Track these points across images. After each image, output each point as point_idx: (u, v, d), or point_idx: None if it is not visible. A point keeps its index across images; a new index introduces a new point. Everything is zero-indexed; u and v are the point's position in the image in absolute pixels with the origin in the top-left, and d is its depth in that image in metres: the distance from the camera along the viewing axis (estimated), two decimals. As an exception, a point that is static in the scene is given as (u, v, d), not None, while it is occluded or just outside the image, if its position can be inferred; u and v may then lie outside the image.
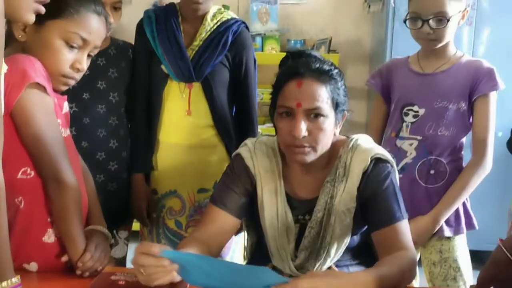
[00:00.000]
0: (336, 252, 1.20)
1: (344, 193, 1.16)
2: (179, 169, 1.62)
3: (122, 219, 1.65)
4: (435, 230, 1.52)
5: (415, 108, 1.55)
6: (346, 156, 1.18)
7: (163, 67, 1.58)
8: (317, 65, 1.14)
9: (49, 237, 1.14)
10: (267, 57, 2.98)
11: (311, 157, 1.13)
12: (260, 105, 3.08)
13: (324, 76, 1.13)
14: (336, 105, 1.15)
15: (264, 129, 2.83)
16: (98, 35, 1.14)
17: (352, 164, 1.17)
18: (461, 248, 1.55)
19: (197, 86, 1.59)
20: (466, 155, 1.58)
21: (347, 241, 1.20)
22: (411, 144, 1.55)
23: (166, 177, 1.64)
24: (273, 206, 1.20)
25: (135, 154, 1.62)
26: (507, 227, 1.36)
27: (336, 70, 1.17)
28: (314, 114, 1.11)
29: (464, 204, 1.56)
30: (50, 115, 1.10)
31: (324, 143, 1.14)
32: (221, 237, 1.20)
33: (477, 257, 1.85)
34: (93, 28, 1.12)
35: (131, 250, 1.72)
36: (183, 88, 1.59)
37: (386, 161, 1.18)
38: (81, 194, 1.15)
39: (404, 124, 1.56)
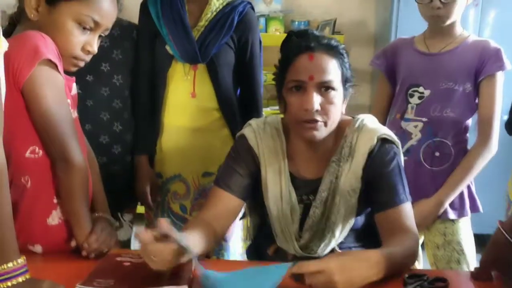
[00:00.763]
0: (341, 233, 1.20)
1: (350, 173, 1.16)
2: (183, 153, 1.61)
3: (126, 202, 1.65)
4: (439, 213, 1.52)
5: (421, 89, 1.54)
6: (352, 135, 1.18)
7: (167, 47, 1.55)
8: (325, 40, 1.15)
9: (53, 219, 1.14)
10: (271, 38, 2.94)
11: (322, 133, 1.13)
12: (264, 87, 3.07)
13: (333, 50, 1.14)
14: (345, 80, 1.15)
15: (268, 111, 2.81)
16: (110, 17, 1.14)
17: (357, 143, 1.16)
18: (465, 231, 1.55)
19: (202, 68, 1.57)
20: (471, 138, 1.57)
21: (351, 221, 1.20)
22: (416, 126, 1.54)
23: (170, 160, 1.63)
24: (277, 186, 1.20)
25: (139, 135, 1.61)
26: (505, 210, 1.36)
27: (342, 46, 1.18)
28: (325, 88, 1.11)
29: (468, 187, 1.56)
30: (60, 94, 1.09)
31: (334, 118, 1.14)
32: (226, 218, 1.21)
33: (481, 240, 1.85)
34: (106, 10, 1.12)
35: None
36: (188, 70, 1.57)
37: (392, 142, 1.17)
38: (88, 176, 1.15)
39: (409, 106, 1.56)
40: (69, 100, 1.13)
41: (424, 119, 1.53)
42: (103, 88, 1.54)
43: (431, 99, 1.52)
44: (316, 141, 1.16)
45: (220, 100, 1.59)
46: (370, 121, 1.21)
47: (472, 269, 1.51)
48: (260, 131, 1.23)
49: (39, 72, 1.04)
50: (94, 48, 1.13)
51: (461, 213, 1.54)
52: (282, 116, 1.24)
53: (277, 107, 1.32)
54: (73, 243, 1.15)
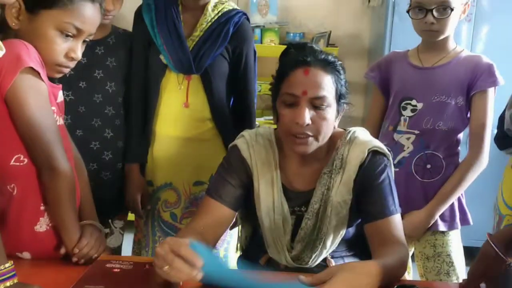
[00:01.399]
0: (332, 244, 1.21)
1: (341, 185, 1.17)
2: (175, 162, 1.61)
3: (117, 209, 1.65)
4: (430, 225, 1.53)
5: (413, 102, 1.56)
6: (343, 148, 1.19)
7: (161, 57, 1.56)
8: (323, 56, 1.16)
9: (41, 226, 1.14)
10: (266, 49, 2.98)
11: (312, 148, 1.15)
12: (258, 97, 3.09)
13: (329, 66, 1.15)
14: (339, 97, 1.16)
15: (262, 121, 2.83)
16: (92, 23, 1.13)
17: (349, 156, 1.18)
18: (455, 243, 1.56)
19: (195, 78, 1.57)
20: (463, 151, 1.59)
21: (343, 232, 1.21)
22: (408, 138, 1.56)
23: (161, 169, 1.63)
24: (269, 197, 1.21)
25: (130, 144, 1.61)
26: (493, 223, 1.37)
27: (339, 63, 1.18)
28: (319, 103, 1.12)
29: (459, 200, 1.58)
30: (44, 101, 1.09)
31: (326, 133, 1.15)
32: (217, 228, 1.21)
33: (470, 253, 1.86)
34: (88, 16, 1.11)
35: (126, 240, 1.73)
36: (182, 80, 1.57)
37: (383, 154, 1.19)
38: (75, 183, 1.15)
39: (402, 118, 1.57)
40: (54, 108, 1.13)
41: (417, 132, 1.55)
42: (95, 95, 1.55)
43: (423, 112, 1.54)
44: (306, 155, 1.17)
45: (213, 110, 1.59)
46: (361, 133, 1.23)
47: (461, 281, 1.52)
48: (253, 142, 1.24)
49: (22, 80, 1.04)
50: (78, 54, 1.13)
51: (451, 225, 1.55)
52: (275, 127, 1.25)
53: (271, 117, 1.32)
54: (62, 250, 1.15)
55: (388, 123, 1.62)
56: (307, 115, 1.11)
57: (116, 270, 1.07)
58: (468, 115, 1.55)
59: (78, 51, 1.13)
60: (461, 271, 1.55)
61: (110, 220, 1.62)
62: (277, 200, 1.20)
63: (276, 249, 1.22)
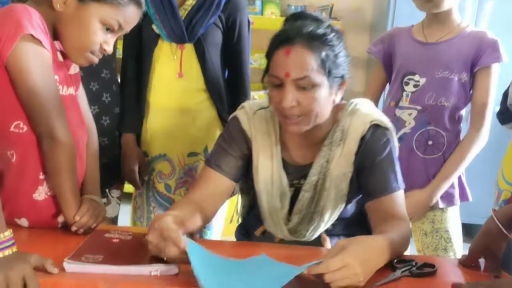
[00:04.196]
0: (330, 218, 1.22)
1: (341, 157, 1.17)
2: (169, 133, 1.62)
3: (114, 178, 1.64)
4: (432, 204, 1.55)
5: (416, 77, 1.56)
6: (344, 120, 1.18)
7: (154, 27, 1.55)
8: (310, 29, 1.10)
9: (39, 194, 1.15)
10: (266, 21, 2.94)
11: (304, 127, 1.13)
12: (258, 71, 3.05)
13: (316, 42, 1.09)
14: (329, 72, 1.10)
15: (261, 95, 2.80)
16: (132, 24, 1.18)
17: (350, 128, 1.16)
18: (453, 220, 1.60)
19: (189, 48, 1.57)
20: (464, 128, 1.60)
21: (341, 207, 1.22)
22: (410, 114, 1.56)
23: (156, 140, 1.64)
24: (268, 170, 1.21)
25: (125, 114, 1.61)
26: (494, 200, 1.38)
27: (333, 34, 1.12)
28: (304, 84, 1.08)
29: (459, 176, 1.60)
30: (46, 69, 1.09)
31: (319, 112, 1.11)
32: (216, 199, 1.21)
33: (468, 230, 1.88)
34: (131, 17, 1.16)
35: (123, 210, 1.73)
36: (175, 49, 1.56)
37: (385, 128, 1.17)
38: (75, 153, 1.15)
39: (404, 94, 1.58)
40: (57, 77, 1.13)
41: (419, 107, 1.56)
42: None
43: (426, 88, 1.55)
44: (301, 133, 1.15)
45: (207, 81, 1.59)
46: (363, 105, 1.21)
47: (458, 257, 1.54)
48: (253, 114, 1.23)
49: (22, 47, 1.03)
50: (110, 48, 1.16)
51: (450, 201, 1.58)
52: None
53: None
54: (60, 219, 1.17)
55: (390, 98, 1.63)
56: (291, 97, 1.08)
57: (115, 240, 1.08)
58: (471, 92, 1.56)
59: (111, 45, 1.16)
60: (458, 247, 1.59)
61: (107, 190, 1.61)
62: (276, 173, 1.21)
63: (273, 221, 1.23)
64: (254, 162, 1.22)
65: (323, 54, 1.09)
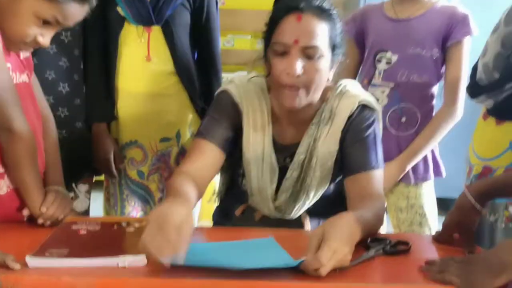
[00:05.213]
0: (314, 196, 1.22)
1: (328, 136, 1.17)
2: (139, 119, 1.57)
3: (80, 172, 1.57)
4: (400, 177, 1.56)
5: (388, 54, 1.54)
6: (333, 99, 1.18)
7: (119, 9, 1.49)
8: (317, 2, 1.10)
9: (1, 188, 1.10)
10: (240, 1, 2.84)
11: (302, 101, 1.11)
12: (231, 52, 2.98)
13: (324, 14, 1.10)
14: (333, 47, 1.11)
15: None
16: (74, 20, 1.11)
17: (338, 107, 1.17)
18: (427, 195, 1.60)
19: (156, 30, 1.52)
20: (437, 105, 1.59)
21: (326, 185, 1.22)
22: (383, 92, 1.55)
23: (126, 126, 1.59)
24: (259, 146, 1.20)
25: (94, 102, 1.55)
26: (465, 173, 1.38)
27: (335, 11, 1.13)
28: (311, 53, 1.07)
29: (432, 151, 1.61)
30: None
31: (318, 86, 1.11)
32: (210, 170, 1.18)
33: (443, 204, 1.90)
34: (72, 14, 1.08)
35: (95, 202, 1.67)
36: (142, 32, 1.51)
37: (373, 108, 1.18)
38: (35, 143, 1.11)
39: (377, 71, 1.57)
40: (9, 64, 1.07)
41: (391, 85, 1.55)
42: (49, 45, 1.42)
43: (398, 64, 1.54)
44: (295, 109, 1.12)
45: (176, 64, 1.55)
46: (353, 86, 1.21)
47: (433, 232, 1.54)
48: (244, 89, 1.21)
49: None
50: (46, 42, 1.09)
51: (424, 177, 1.59)
52: (266, 75, 1.20)
53: (245, 73, 1.27)
54: (25, 212, 1.12)
55: (363, 76, 1.62)
56: (299, 65, 1.06)
57: (82, 232, 1.04)
58: (443, 69, 1.55)
59: (48, 38, 1.09)
60: (433, 222, 1.60)
61: (74, 184, 1.55)
62: (267, 149, 1.19)
63: (261, 197, 1.22)
64: (245, 137, 1.20)
65: (330, 27, 1.09)
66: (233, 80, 1.23)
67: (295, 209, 1.22)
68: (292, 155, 1.20)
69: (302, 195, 1.21)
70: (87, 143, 1.55)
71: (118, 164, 1.58)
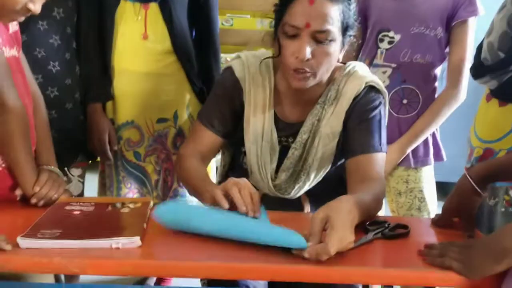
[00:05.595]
0: (315, 177, 1.21)
1: (332, 116, 1.16)
2: (136, 98, 1.54)
3: (72, 155, 1.53)
4: (400, 160, 1.53)
5: (391, 33, 1.51)
6: (340, 80, 1.17)
7: None
8: None
9: None
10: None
11: (310, 83, 1.10)
12: (230, 32, 2.93)
13: None
14: (345, 29, 1.09)
15: (231, 57, 2.70)
16: None
17: (345, 87, 1.16)
18: (427, 179, 1.58)
19: (154, 7, 1.48)
20: (440, 88, 1.56)
21: (327, 167, 1.21)
22: (384, 72, 1.52)
23: (122, 106, 1.55)
24: (259, 123, 1.19)
25: (89, 82, 1.51)
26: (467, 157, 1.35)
27: None
28: (322, 38, 1.05)
29: (433, 135, 1.58)
30: None
31: (327, 69, 1.10)
32: (206, 156, 1.23)
33: (442, 188, 1.87)
34: None
35: (92, 184, 1.65)
36: (138, 9, 1.47)
37: (379, 91, 1.17)
38: (28, 120, 1.08)
39: (379, 51, 1.53)
40: (0, 39, 1.04)
41: (393, 65, 1.51)
42: (39, 22, 1.37)
43: (401, 44, 1.50)
44: (302, 89, 1.11)
45: (174, 42, 1.51)
46: (361, 68, 1.20)
47: (432, 216, 1.52)
48: (249, 64, 1.20)
49: None
50: (37, 8, 1.04)
51: (424, 161, 1.56)
52: (274, 55, 1.17)
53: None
54: (18, 191, 1.10)
55: (365, 56, 1.58)
56: (308, 49, 1.04)
57: (76, 212, 1.02)
58: (447, 49, 1.52)
59: (39, 5, 1.04)
60: (432, 207, 1.58)
61: (66, 169, 1.50)
62: (267, 126, 1.18)
63: (260, 176, 1.21)
64: (246, 114, 1.19)
65: (343, 9, 1.07)
66: (240, 55, 1.23)
67: (295, 189, 1.21)
68: (294, 134, 1.19)
69: (303, 176, 1.20)
70: (79, 125, 1.51)
71: (112, 145, 1.55)
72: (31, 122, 1.13)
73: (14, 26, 1.12)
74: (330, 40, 1.06)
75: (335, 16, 1.05)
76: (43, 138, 1.18)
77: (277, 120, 1.20)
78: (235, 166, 1.32)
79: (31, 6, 1.02)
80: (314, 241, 0.84)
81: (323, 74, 1.11)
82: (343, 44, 1.11)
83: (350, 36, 1.12)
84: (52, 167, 1.15)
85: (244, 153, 1.23)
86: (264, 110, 1.18)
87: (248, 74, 1.19)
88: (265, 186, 1.21)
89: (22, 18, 1.06)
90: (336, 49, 1.08)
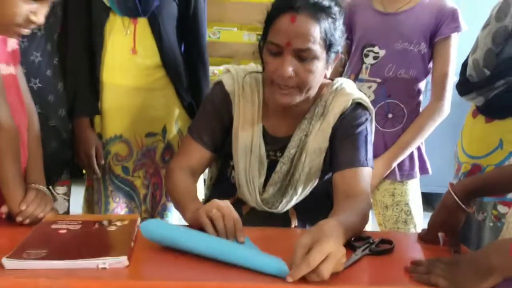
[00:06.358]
0: (302, 192, 1.22)
1: (319, 132, 1.17)
2: (124, 113, 1.53)
3: (56, 173, 1.49)
4: (386, 174, 1.54)
5: (376, 49, 1.52)
6: (328, 96, 1.18)
7: None
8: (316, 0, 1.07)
9: None
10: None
11: (295, 99, 1.11)
12: (217, 45, 2.93)
13: (321, 13, 1.07)
14: (329, 46, 1.09)
15: (221, 70, 2.70)
16: None
17: (332, 104, 1.17)
18: (413, 192, 1.59)
19: (142, 22, 1.47)
20: (424, 102, 1.58)
21: (314, 182, 1.21)
22: (370, 87, 1.53)
23: (111, 121, 1.54)
24: (248, 136, 1.20)
25: (77, 96, 1.49)
26: (454, 171, 1.37)
27: (336, 8, 1.10)
28: (304, 56, 1.06)
29: (419, 149, 1.59)
30: None
31: (312, 85, 1.10)
32: (197, 169, 1.24)
33: (428, 199, 1.89)
34: None
35: (76, 200, 1.62)
36: (127, 24, 1.46)
37: (366, 108, 1.18)
38: (19, 139, 1.07)
39: (364, 66, 1.55)
40: None
41: (378, 80, 1.53)
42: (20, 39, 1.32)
43: (386, 59, 1.52)
44: (286, 105, 1.12)
45: (163, 57, 1.50)
46: (348, 85, 1.21)
47: (418, 230, 1.53)
48: (239, 78, 1.21)
49: None
50: (40, 18, 1.02)
51: (410, 174, 1.57)
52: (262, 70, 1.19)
53: (230, 66, 1.25)
54: (4, 209, 1.08)
55: (350, 71, 1.59)
56: (290, 67, 1.06)
57: (62, 231, 1.00)
58: (431, 64, 1.53)
59: (41, 15, 1.02)
60: (418, 220, 1.59)
61: (50, 187, 1.47)
62: (255, 140, 1.19)
63: (248, 190, 1.21)
64: (235, 127, 1.20)
65: (327, 26, 1.07)
66: (229, 70, 1.23)
67: (283, 203, 1.21)
68: (281, 149, 1.19)
69: (290, 190, 1.20)
70: (63, 142, 1.47)
71: (99, 160, 1.53)
72: (23, 139, 1.12)
73: (13, 44, 1.11)
74: (313, 58, 1.06)
75: (317, 34, 1.05)
76: (34, 156, 1.16)
77: (265, 134, 1.20)
78: (222, 180, 1.31)
79: (33, 18, 1.00)
80: (295, 268, 0.81)
81: (309, 91, 1.11)
82: (327, 61, 1.11)
83: (335, 52, 1.12)
84: (41, 186, 1.13)
85: (232, 167, 1.23)
86: (252, 124, 1.19)
87: (237, 87, 1.19)
88: (253, 200, 1.21)
89: (27, 31, 1.04)
90: (319, 66, 1.09)
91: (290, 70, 1.05)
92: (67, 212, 1.57)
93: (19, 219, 1.05)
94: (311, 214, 1.22)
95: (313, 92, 1.13)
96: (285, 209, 1.23)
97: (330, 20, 1.07)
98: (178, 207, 1.14)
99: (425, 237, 1.06)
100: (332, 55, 1.12)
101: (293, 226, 1.24)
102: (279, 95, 1.10)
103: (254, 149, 1.18)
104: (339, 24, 1.11)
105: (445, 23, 1.46)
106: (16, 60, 1.13)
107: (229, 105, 1.20)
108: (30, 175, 1.14)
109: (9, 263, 0.85)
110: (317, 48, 1.06)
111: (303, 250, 0.82)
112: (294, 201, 1.22)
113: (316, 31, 1.05)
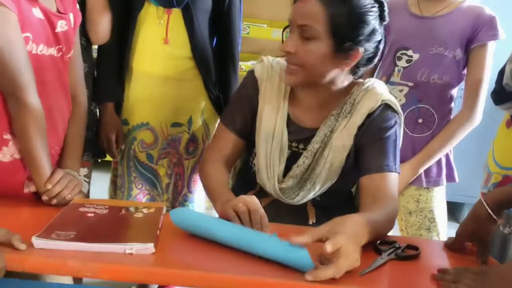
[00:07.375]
0: (320, 188, 1.21)
1: (345, 129, 1.16)
2: (152, 101, 1.54)
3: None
4: (412, 179, 1.51)
5: (409, 52, 1.49)
6: (357, 94, 1.17)
7: None
8: None
9: (4, 155, 1.08)
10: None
11: (296, 79, 1.12)
12: (246, 40, 2.93)
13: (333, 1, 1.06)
14: (337, 33, 1.06)
15: (249, 65, 2.70)
16: None
17: (361, 102, 1.16)
18: (438, 200, 1.56)
19: (176, 13, 1.47)
20: (456, 109, 1.54)
21: (333, 179, 1.20)
22: (401, 91, 1.50)
23: (138, 108, 1.55)
24: (271, 122, 1.20)
25: (103, 82, 1.51)
26: (481, 180, 1.34)
27: (368, 1, 1.07)
28: (304, 34, 1.08)
29: (447, 156, 1.56)
30: (10, 30, 1.01)
31: (313, 68, 1.09)
32: (231, 158, 1.25)
33: (453, 208, 1.85)
34: None
35: (99, 184, 1.63)
36: (161, 14, 1.47)
37: (395, 110, 1.16)
38: (44, 118, 1.08)
39: (396, 69, 1.52)
40: (29, 34, 1.05)
41: (410, 84, 1.50)
42: None
43: (419, 64, 1.48)
44: (316, 95, 1.15)
45: (193, 48, 1.51)
46: (379, 86, 1.20)
47: (441, 238, 1.51)
48: (270, 68, 1.23)
49: None
50: None
51: (437, 181, 1.54)
52: None
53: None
54: (32, 188, 1.09)
55: (382, 73, 1.56)
56: (291, 42, 1.09)
57: (90, 214, 1.01)
58: (465, 70, 1.50)
59: None
60: (442, 227, 1.56)
61: None
62: (278, 127, 1.19)
63: (267, 175, 1.21)
64: (259, 112, 1.21)
65: (336, 11, 1.06)
66: (263, 59, 1.26)
67: (299, 195, 1.21)
68: (304, 141, 1.19)
69: (309, 184, 1.19)
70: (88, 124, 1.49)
71: (119, 144, 1.56)
72: (58, 120, 1.13)
73: (60, 27, 1.12)
74: (313, 38, 1.06)
75: (319, 15, 1.06)
76: (72, 144, 1.19)
77: (289, 123, 1.20)
78: (245, 169, 1.32)
79: None
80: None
81: (313, 75, 1.10)
82: (337, 49, 1.07)
83: (350, 45, 1.06)
84: (70, 171, 1.14)
85: (255, 154, 1.24)
86: (277, 111, 1.20)
87: (266, 75, 1.22)
88: (271, 187, 1.21)
89: None
90: (320, 49, 1.07)
91: (290, 45, 1.08)
92: (88, 194, 1.59)
93: (44, 197, 1.06)
94: (331, 213, 1.21)
95: (320, 77, 1.10)
96: (301, 202, 1.22)
97: (345, 7, 1.05)
98: (210, 198, 1.17)
99: (452, 246, 1.04)
100: (346, 45, 1.07)
101: (310, 222, 1.23)
102: (285, 74, 1.13)
103: (276, 135, 1.19)
104: (364, 16, 1.06)
105: (482, 30, 1.42)
106: (66, 43, 1.14)
107: (257, 91, 1.22)
108: (64, 162, 1.16)
109: (39, 242, 0.86)
110: (319, 28, 1.06)
111: (319, 234, 0.86)
112: (311, 196, 1.22)
113: (320, 12, 1.06)
